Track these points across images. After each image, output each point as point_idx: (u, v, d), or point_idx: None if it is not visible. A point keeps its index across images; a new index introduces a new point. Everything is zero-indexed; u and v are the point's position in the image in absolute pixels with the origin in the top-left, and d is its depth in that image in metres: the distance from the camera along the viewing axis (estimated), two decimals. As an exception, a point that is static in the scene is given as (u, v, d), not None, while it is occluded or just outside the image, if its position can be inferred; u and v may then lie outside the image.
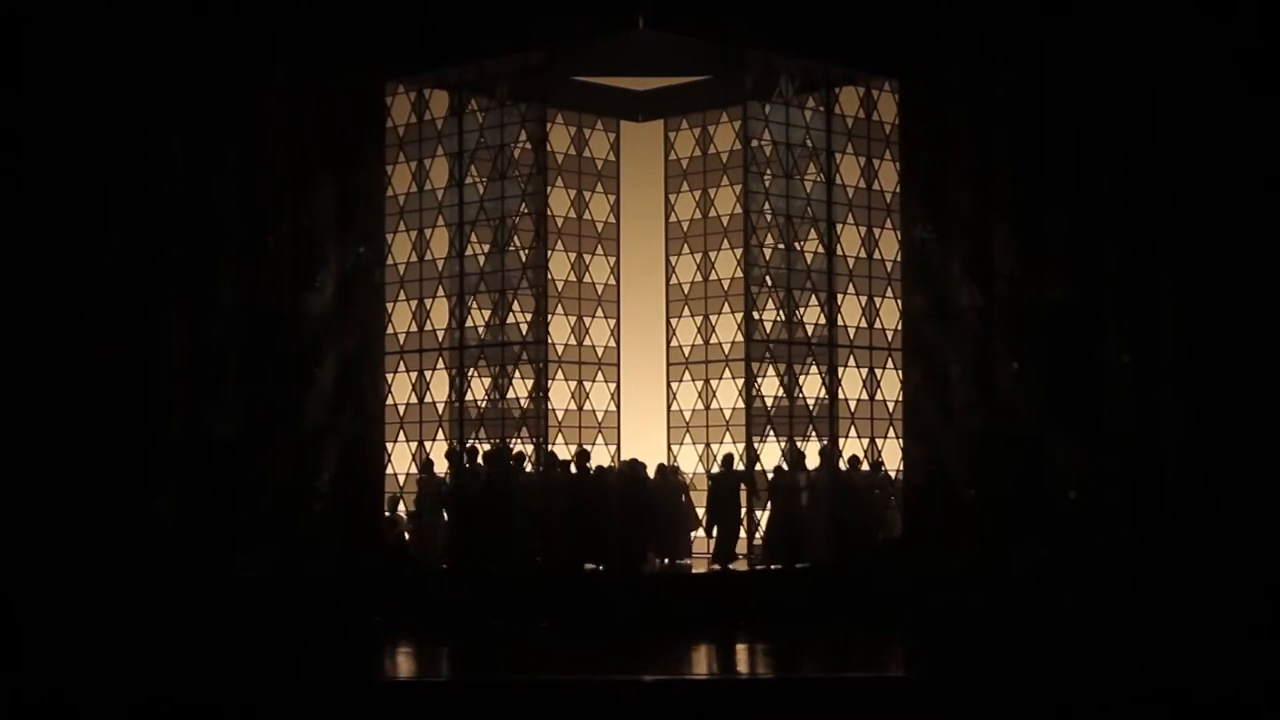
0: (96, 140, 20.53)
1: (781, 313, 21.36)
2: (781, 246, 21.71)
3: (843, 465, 22.03)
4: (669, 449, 23.41)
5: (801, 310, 21.54)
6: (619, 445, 22.92)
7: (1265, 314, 20.01)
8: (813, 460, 21.94)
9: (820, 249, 21.82)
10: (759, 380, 21.21)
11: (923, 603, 21.22)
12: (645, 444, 23.79)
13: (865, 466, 22.34)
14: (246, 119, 21.59)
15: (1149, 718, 15.25)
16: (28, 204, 20.28)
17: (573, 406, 22.27)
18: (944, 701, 15.48)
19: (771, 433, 21.69)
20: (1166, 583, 19.83)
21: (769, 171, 21.29)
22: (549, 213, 21.83)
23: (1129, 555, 20.29)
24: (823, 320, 21.74)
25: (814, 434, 21.69)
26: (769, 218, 21.92)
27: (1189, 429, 20.17)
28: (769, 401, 21.76)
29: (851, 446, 22.06)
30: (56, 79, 20.33)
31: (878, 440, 22.32)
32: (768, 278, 21.37)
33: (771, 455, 21.42)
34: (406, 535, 22.32)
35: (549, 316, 21.74)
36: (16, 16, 20.17)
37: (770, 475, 21.29)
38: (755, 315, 20.97)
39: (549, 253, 21.48)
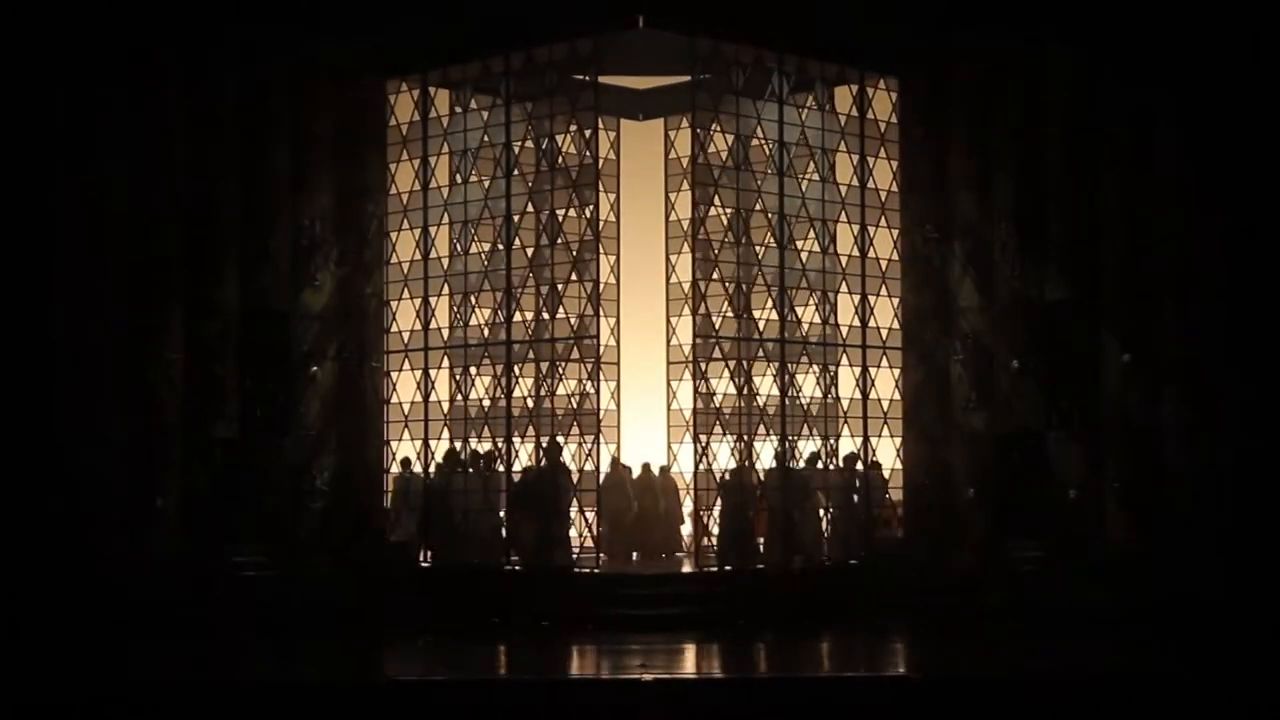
0: (96, 138, 20.50)
1: (732, 310, 21.66)
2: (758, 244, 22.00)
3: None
4: (669, 447, 23.43)
5: (743, 310, 21.80)
6: (619, 444, 22.95)
7: (1266, 313, 20.00)
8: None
9: (770, 242, 22.02)
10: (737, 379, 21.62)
11: (922, 603, 21.24)
12: (646, 443, 23.93)
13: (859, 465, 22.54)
14: (248, 117, 21.58)
15: (1149, 717, 15.25)
16: (27, 203, 20.25)
17: (574, 405, 22.24)
18: (944, 701, 15.48)
19: (768, 431, 21.88)
20: (1167, 582, 19.83)
21: (723, 171, 21.55)
22: (550, 211, 21.88)
23: (1129, 555, 20.30)
24: (775, 318, 21.94)
25: (771, 433, 21.96)
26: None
27: (1189, 429, 20.15)
28: (764, 400, 21.87)
29: (807, 446, 22.37)
30: (56, 74, 20.30)
31: (830, 439, 22.41)
32: (731, 275, 21.69)
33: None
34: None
35: (551, 315, 21.83)
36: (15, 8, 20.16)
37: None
38: (700, 315, 21.33)
39: (601, 253, 21.80)
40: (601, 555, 21.72)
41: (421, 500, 22.53)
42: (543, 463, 21.51)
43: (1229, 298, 20.09)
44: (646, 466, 23.72)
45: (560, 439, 21.57)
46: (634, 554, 23.65)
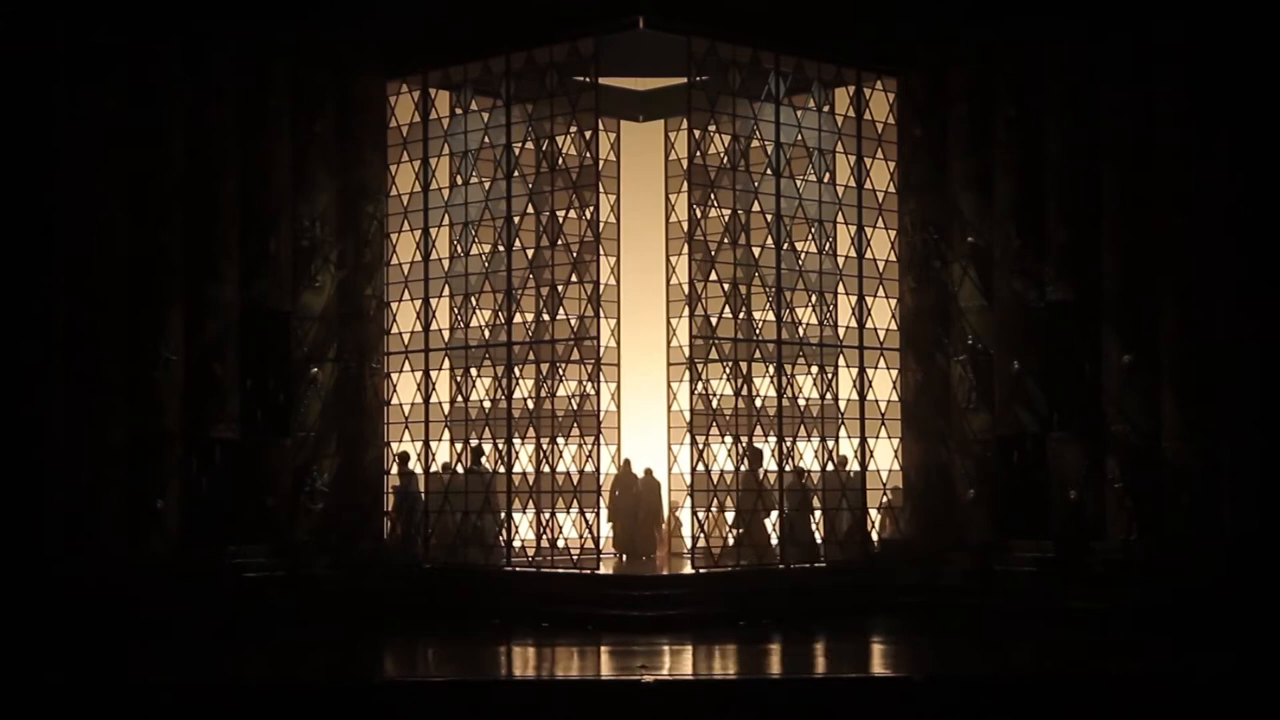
0: (95, 138, 20.51)
1: (731, 311, 21.78)
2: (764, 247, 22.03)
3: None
4: (669, 448, 23.42)
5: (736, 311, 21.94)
6: (619, 445, 22.97)
7: (1267, 312, 20.02)
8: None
9: (770, 244, 22.09)
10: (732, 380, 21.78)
11: (922, 603, 21.25)
12: (646, 444, 23.98)
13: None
14: (248, 116, 21.59)
15: (1149, 717, 15.25)
16: (27, 203, 20.27)
17: (574, 406, 22.28)
18: (944, 701, 15.48)
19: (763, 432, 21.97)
20: (1167, 582, 19.82)
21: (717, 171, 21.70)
22: (551, 212, 21.90)
23: (1129, 555, 20.30)
24: (771, 318, 22.03)
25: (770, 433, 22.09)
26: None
27: (1189, 428, 20.15)
28: (762, 401, 21.93)
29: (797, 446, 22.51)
30: (54, 74, 20.32)
31: (828, 440, 22.46)
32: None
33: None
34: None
35: (551, 317, 21.85)
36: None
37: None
38: (699, 316, 21.47)
39: (601, 254, 21.86)
40: (611, 555, 21.90)
41: (421, 500, 22.60)
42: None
43: (1229, 297, 20.10)
44: (628, 463, 23.90)
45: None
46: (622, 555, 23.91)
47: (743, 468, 21.79)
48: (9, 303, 20.12)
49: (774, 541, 21.95)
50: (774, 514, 22.04)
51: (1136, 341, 20.55)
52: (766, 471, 21.96)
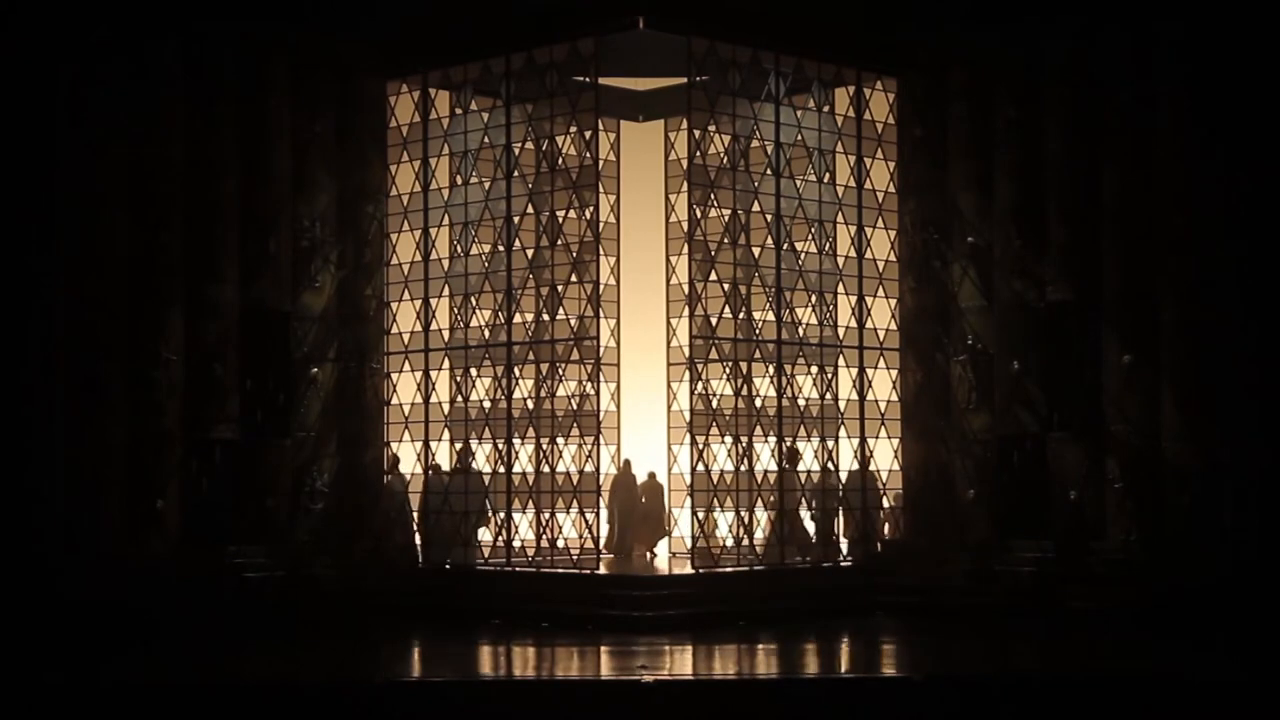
0: (95, 138, 20.52)
1: (731, 311, 21.81)
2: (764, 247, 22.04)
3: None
4: (669, 449, 23.41)
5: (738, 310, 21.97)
6: (619, 445, 22.97)
7: (1266, 312, 20.02)
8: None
9: (770, 244, 22.11)
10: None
11: (922, 603, 21.26)
12: (647, 444, 23.98)
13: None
14: (248, 116, 21.58)
15: (1149, 717, 15.24)
16: (27, 203, 20.27)
17: (574, 406, 22.29)
18: (944, 701, 15.48)
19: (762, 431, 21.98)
20: (1167, 582, 19.83)
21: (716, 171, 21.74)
22: (551, 212, 21.90)
23: (1129, 555, 20.30)
24: (771, 318, 22.05)
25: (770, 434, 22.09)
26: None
27: (1189, 429, 20.14)
28: (762, 401, 21.94)
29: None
30: (55, 75, 20.32)
31: (828, 440, 22.48)
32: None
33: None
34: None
35: (551, 317, 21.85)
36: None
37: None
38: (699, 316, 21.48)
39: (601, 254, 21.87)
40: (603, 553, 21.93)
41: (418, 501, 22.61)
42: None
43: (1229, 297, 20.10)
44: (628, 464, 23.93)
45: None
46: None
47: (782, 466, 21.84)
48: (9, 303, 20.12)
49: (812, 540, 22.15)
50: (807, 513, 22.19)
51: (1136, 341, 20.55)
52: (809, 471, 22.06)
